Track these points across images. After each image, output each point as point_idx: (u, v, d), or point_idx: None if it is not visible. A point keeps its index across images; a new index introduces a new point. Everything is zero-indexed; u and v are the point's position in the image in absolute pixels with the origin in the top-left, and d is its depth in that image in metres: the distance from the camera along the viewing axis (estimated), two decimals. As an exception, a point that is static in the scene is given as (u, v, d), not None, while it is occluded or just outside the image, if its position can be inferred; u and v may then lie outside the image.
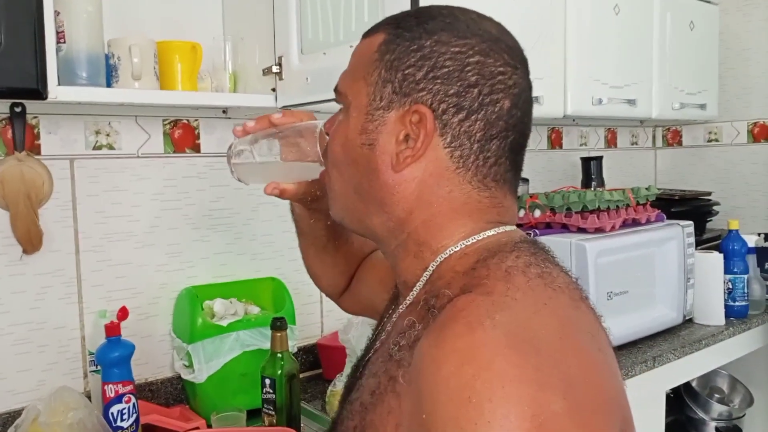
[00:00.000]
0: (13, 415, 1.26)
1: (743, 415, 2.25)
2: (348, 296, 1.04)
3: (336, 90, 0.72)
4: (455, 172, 0.65)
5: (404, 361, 0.58)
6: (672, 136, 2.82)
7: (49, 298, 1.38)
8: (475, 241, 0.65)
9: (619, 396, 0.59)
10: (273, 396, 1.28)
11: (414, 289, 0.67)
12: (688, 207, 2.30)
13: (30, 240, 1.33)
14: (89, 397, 1.36)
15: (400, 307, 0.69)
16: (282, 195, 0.86)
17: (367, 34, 0.71)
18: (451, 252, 0.65)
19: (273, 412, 1.30)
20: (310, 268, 1.03)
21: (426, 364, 0.53)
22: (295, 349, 1.56)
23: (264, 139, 0.86)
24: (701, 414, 2.24)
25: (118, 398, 1.23)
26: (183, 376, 1.43)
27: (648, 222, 1.92)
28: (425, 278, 0.66)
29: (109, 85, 1.29)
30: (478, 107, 0.64)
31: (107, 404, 1.23)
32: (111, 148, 1.46)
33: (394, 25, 0.69)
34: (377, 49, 0.68)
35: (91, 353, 1.38)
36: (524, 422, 0.48)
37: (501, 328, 0.52)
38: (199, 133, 1.58)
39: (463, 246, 0.65)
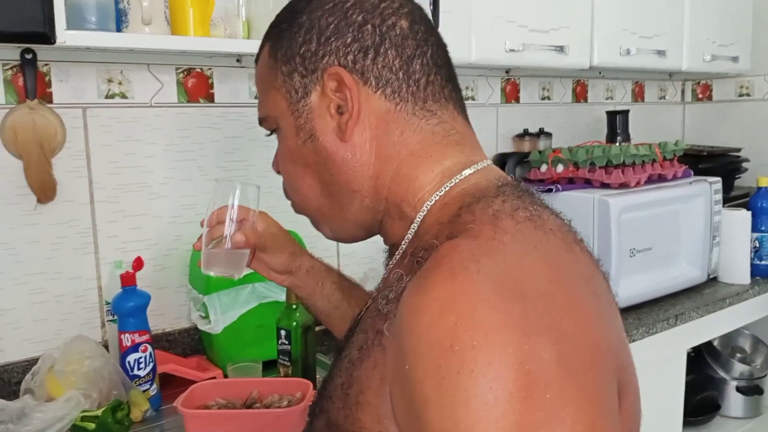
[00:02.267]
0: (30, 364, 1.26)
1: (765, 375, 2.23)
2: None
3: (260, 122, 0.72)
4: (396, 110, 0.65)
5: (391, 314, 0.56)
6: (702, 90, 2.73)
7: (64, 248, 1.38)
8: (450, 187, 0.63)
9: (615, 343, 0.55)
10: (288, 347, 1.28)
11: (402, 246, 0.65)
12: (716, 163, 2.23)
13: (44, 190, 1.32)
14: (107, 347, 1.36)
15: (389, 264, 0.68)
16: (248, 239, 0.89)
17: (256, 58, 0.73)
18: (429, 206, 0.64)
19: (288, 363, 1.29)
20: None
21: (407, 314, 0.51)
22: (311, 303, 1.55)
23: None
24: (722, 373, 2.22)
25: (135, 347, 1.23)
26: (199, 327, 1.43)
27: (674, 178, 1.87)
28: (411, 234, 0.65)
29: (119, 30, 1.26)
30: (380, 39, 0.64)
31: (124, 353, 1.23)
32: (124, 96, 1.43)
33: (271, 32, 0.70)
34: (268, 57, 0.69)
35: (107, 303, 1.38)
36: (509, 370, 0.45)
37: (486, 272, 0.49)
38: (212, 83, 1.54)
39: (438, 197, 0.63)
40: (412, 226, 0.65)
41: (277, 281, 0.98)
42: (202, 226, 0.90)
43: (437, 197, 0.63)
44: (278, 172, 0.75)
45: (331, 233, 0.73)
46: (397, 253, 0.66)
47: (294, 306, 1.29)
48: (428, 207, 0.64)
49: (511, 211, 0.57)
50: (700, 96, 2.74)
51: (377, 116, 0.64)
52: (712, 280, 1.95)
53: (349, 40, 0.64)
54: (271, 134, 0.73)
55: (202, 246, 0.90)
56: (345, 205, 0.68)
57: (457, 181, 0.64)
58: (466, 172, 0.64)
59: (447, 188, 0.63)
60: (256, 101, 0.74)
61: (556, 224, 0.58)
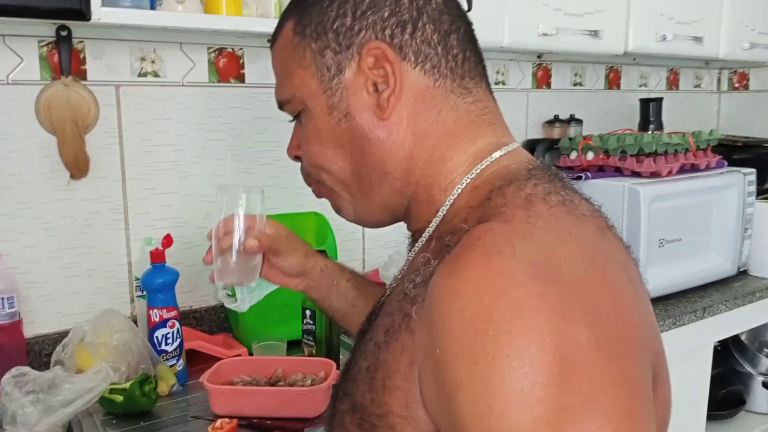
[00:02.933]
0: (62, 335, 1.29)
1: (793, 371, 2.19)
2: None
3: (280, 106, 0.70)
4: (435, 86, 0.63)
5: (419, 297, 0.55)
6: (738, 79, 2.67)
7: (96, 224, 1.40)
8: (480, 170, 0.62)
9: (651, 329, 0.55)
10: (313, 327, 1.29)
11: (428, 229, 0.64)
12: (751, 154, 2.18)
13: (77, 165, 1.34)
14: (135, 322, 1.39)
15: (414, 248, 0.66)
16: (262, 242, 0.87)
17: (274, 38, 0.69)
18: (460, 189, 0.62)
19: (312, 343, 1.31)
20: None
21: (439, 296, 0.50)
22: (337, 284, 1.56)
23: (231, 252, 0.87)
24: (748, 368, 2.19)
25: (163, 323, 1.26)
26: (226, 305, 1.44)
27: (708, 168, 1.83)
28: (439, 218, 0.63)
29: (152, 8, 1.26)
30: (418, 14, 0.62)
31: (152, 328, 1.26)
32: (156, 75, 1.44)
33: (294, 8, 0.67)
34: (293, 35, 0.65)
35: (137, 279, 1.40)
36: (546, 355, 0.44)
37: (521, 256, 0.48)
38: (243, 63, 1.55)
39: (469, 179, 0.62)
40: (440, 210, 0.63)
41: (291, 286, 0.94)
42: (209, 238, 0.88)
43: (468, 180, 0.62)
44: (295, 158, 0.73)
45: (354, 216, 0.71)
46: (422, 237, 0.65)
47: (320, 287, 1.30)
48: (459, 190, 0.62)
49: (544, 194, 0.56)
50: (737, 85, 2.68)
51: (416, 93, 0.62)
52: (742, 273, 1.91)
53: (386, 14, 0.61)
54: (295, 119, 0.70)
55: (212, 258, 0.87)
56: (374, 187, 0.66)
57: (488, 163, 0.62)
58: (497, 153, 0.63)
59: (478, 170, 0.62)
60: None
61: (588, 209, 0.57)
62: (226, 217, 0.87)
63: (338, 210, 0.72)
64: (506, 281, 0.47)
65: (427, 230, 0.64)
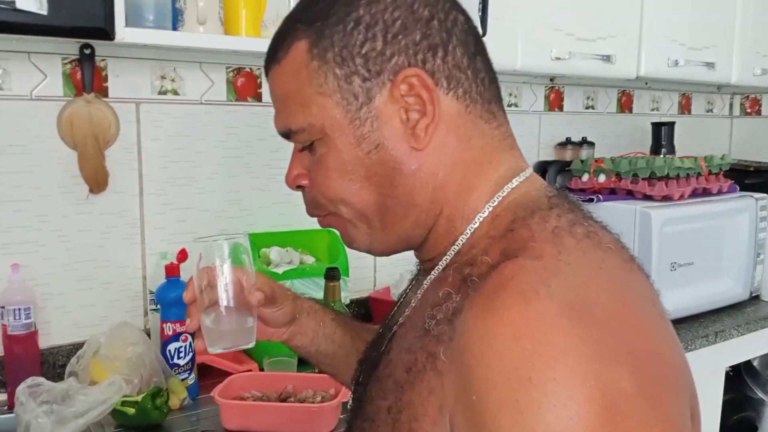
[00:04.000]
0: (76, 347, 1.31)
1: (806, 399, 2.16)
2: None
3: (286, 135, 0.63)
4: (467, 112, 0.60)
5: (444, 336, 0.53)
6: (750, 104, 2.67)
7: (113, 237, 1.43)
8: (502, 198, 0.60)
9: (686, 368, 0.54)
10: (324, 345, 1.30)
11: (442, 260, 0.61)
12: (764, 179, 2.18)
13: (96, 180, 1.37)
14: (149, 335, 1.40)
15: (426, 281, 0.63)
16: (266, 293, 0.76)
17: (276, 59, 0.62)
18: (482, 218, 0.60)
19: (323, 361, 1.31)
20: None
21: (473, 339, 0.48)
22: (348, 301, 1.57)
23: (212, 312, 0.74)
24: (761, 394, 2.16)
25: (176, 336, 1.27)
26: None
27: (720, 192, 1.84)
28: (455, 249, 0.60)
29: (174, 28, 1.30)
30: (447, 36, 0.59)
31: (165, 342, 1.27)
32: (176, 93, 1.47)
33: (302, 25, 0.60)
34: (309, 59, 0.59)
35: (151, 292, 1.42)
36: (592, 404, 0.43)
37: (558, 296, 0.47)
38: (261, 82, 1.58)
39: (491, 208, 0.60)
40: (459, 239, 0.60)
41: (275, 337, 0.84)
42: (187, 301, 0.75)
43: (490, 208, 0.60)
44: (297, 188, 0.67)
45: (368, 248, 0.65)
46: (437, 267, 0.62)
47: (331, 303, 1.31)
48: (480, 219, 0.60)
49: (569, 227, 0.55)
50: (749, 110, 2.68)
51: (448, 120, 0.59)
52: (755, 299, 1.91)
53: (418, 38, 0.58)
54: (307, 148, 0.63)
55: (197, 323, 0.75)
56: (399, 220, 0.61)
57: (509, 190, 0.60)
58: (516, 180, 0.61)
59: (500, 198, 0.60)
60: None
61: (611, 241, 0.56)
62: (207, 269, 0.73)
63: (351, 241, 0.66)
64: (546, 325, 0.46)
65: (443, 260, 0.61)
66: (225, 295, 0.73)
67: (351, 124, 0.59)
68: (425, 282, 0.64)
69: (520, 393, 0.44)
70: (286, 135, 0.63)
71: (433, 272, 0.62)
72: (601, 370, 0.44)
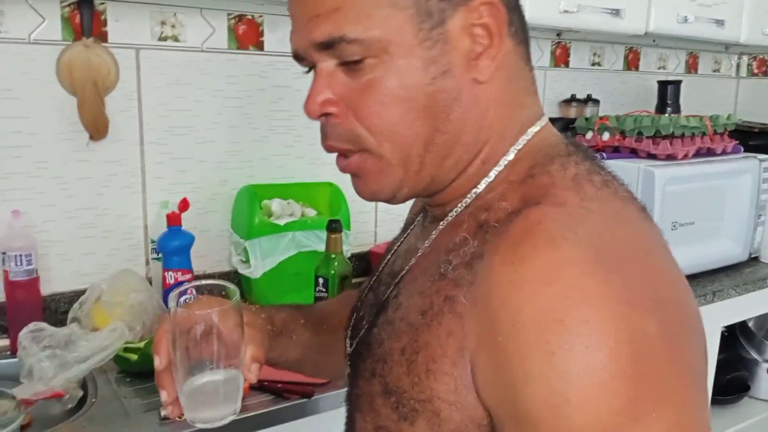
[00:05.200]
0: (78, 294, 1.31)
1: (799, 359, 2.19)
2: None
3: (331, 43, 0.54)
4: (516, 51, 0.59)
5: (462, 280, 0.53)
6: (758, 65, 2.64)
7: (113, 186, 1.42)
8: (525, 143, 0.59)
9: (699, 314, 0.55)
10: (325, 295, 1.30)
11: (460, 204, 0.60)
12: (768, 141, 2.17)
13: (96, 127, 1.35)
14: (150, 283, 1.41)
15: (440, 224, 0.61)
16: (260, 361, 0.65)
17: None
18: (506, 161, 0.58)
19: (324, 312, 1.32)
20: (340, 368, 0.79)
21: (501, 282, 0.48)
22: (349, 255, 1.57)
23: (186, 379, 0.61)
24: (755, 354, 2.19)
25: (178, 285, 1.27)
26: (240, 270, 1.46)
27: (724, 153, 1.83)
28: (476, 192, 0.59)
29: (175, -29, 1.27)
30: None
31: (167, 290, 1.28)
32: (176, 40, 1.45)
33: None
34: None
35: (153, 241, 1.42)
36: (622, 345, 0.44)
37: (585, 243, 0.47)
38: (263, 30, 1.55)
39: (515, 151, 0.58)
40: (481, 182, 0.59)
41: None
42: (161, 368, 0.62)
43: (514, 152, 0.58)
44: (323, 115, 0.58)
45: (393, 195, 0.60)
46: (450, 213, 0.60)
47: (333, 255, 1.31)
48: (505, 163, 0.58)
49: (587, 174, 0.55)
50: (756, 71, 2.65)
51: (504, 56, 0.57)
52: (754, 260, 1.92)
53: None
54: (355, 63, 0.55)
55: (174, 395, 0.62)
56: (442, 159, 0.58)
57: (532, 134, 0.59)
58: (539, 124, 0.60)
59: (524, 142, 0.59)
60: (299, 44, 0.57)
61: (626, 191, 0.56)
62: (181, 315, 0.60)
63: (375, 190, 0.60)
64: (575, 270, 0.46)
65: (461, 204, 0.60)
66: (214, 361, 0.60)
67: (421, 44, 0.54)
68: (435, 230, 0.62)
69: (552, 335, 0.45)
70: (328, 45, 0.54)
71: (447, 218, 0.61)
72: (629, 314, 0.45)
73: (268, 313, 0.73)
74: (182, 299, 0.64)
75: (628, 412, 0.44)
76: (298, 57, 0.59)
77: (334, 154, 0.60)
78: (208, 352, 0.60)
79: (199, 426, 0.62)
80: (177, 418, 0.64)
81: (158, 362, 0.62)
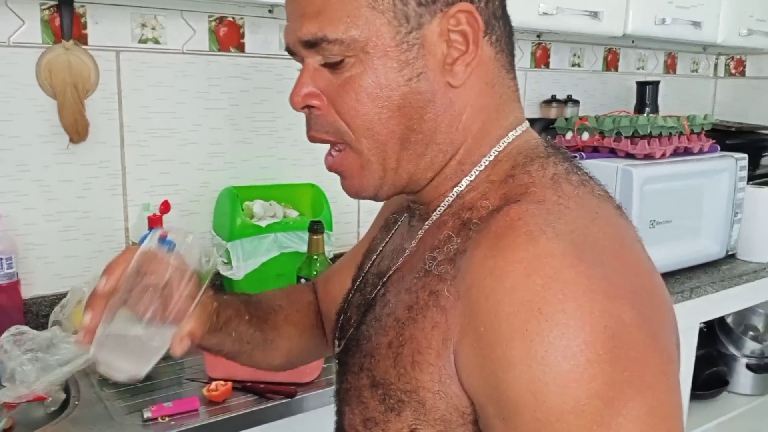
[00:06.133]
0: (59, 297, 1.31)
1: (776, 354, 2.23)
2: None
3: (314, 43, 0.57)
4: (496, 59, 0.60)
5: (446, 275, 0.55)
6: (735, 65, 2.68)
7: (95, 188, 1.42)
8: (505, 145, 0.61)
9: (672, 306, 0.57)
10: (307, 296, 1.31)
11: (443, 203, 0.62)
12: (744, 140, 2.20)
13: (77, 129, 1.35)
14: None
15: (426, 224, 0.64)
16: (194, 340, 0.65)
17: None
18: (486, 163, 0.61)
19: (307, 312, 1.32)
20: (277, 364, 0.85)
21: (482, 275, 0.50)
22: (331, 255, 1.58)
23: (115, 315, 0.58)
24: (732, 350, 2.23)
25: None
26: (222, 272, 1.46)
27: (701, 152, 1.85)
28: (457, 191, 0.62)
29: (155, -26, 1.27)
30: None
31: (148, 292, 1.27)
32: (156, 42, 1.45)
33: None
34: None
35: (134, 243, 1.42)
36: (598, 333, 0.46)
37: (563, 237, 0.50)
38: (244, 32, 1.55)
39: (495, 153, 0.61)
40: (462, 182, 0.61)
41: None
42: (105, 291, 0.60)
43: (495, 153, 0.61)
44: (305, 108, 0.61)
45: (375, 192, 0.63)
46: (435, 212, 0.63)
47: (315, 256, 1.32)
48: (485, 163, 0.61)
49: (565, 174, 0.57)
50: (734, 71, 2.69)
51: (482, 64, 0.59)
52: (731, 257, 1.95)
53: None
54: (335, 65, 0.58)
55: (99, 315, 0.58)
56: (416, 158, 0.60)
57: (513, 138, 0.62)
58: (519, 129, 0.63)
59: (504, 145, 0.61)
60: (289, 40, 0.60)
61: (602, 190, 0.59)
62: (150, 255, 0.61)
63: (359, 187, 0.63)
64: (556, 262, 0.48)
65: (444, 203, 0.62)
66: (153, 317, 0.58)
67: (398, 47, 0.56)
68: (421, 229, 0.64)
69: (530, 323, 0.47)
70: (312, 44, 0.57)
71: (431, 217, 0.63)
72: (606, 305, 0.48)
73: (218, 303, 0.72)
74: (161, 242, 0.62)
75: (605, 395, 0.46)
76: (290, 51, 0.62)
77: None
78: (153, 305, 0.58)
79: (99, 369, 0.59)
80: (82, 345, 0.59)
81: (103, 284, 0.61)
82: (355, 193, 0.64)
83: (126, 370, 0.59)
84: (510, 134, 0.62)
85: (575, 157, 0.63)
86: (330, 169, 0.64)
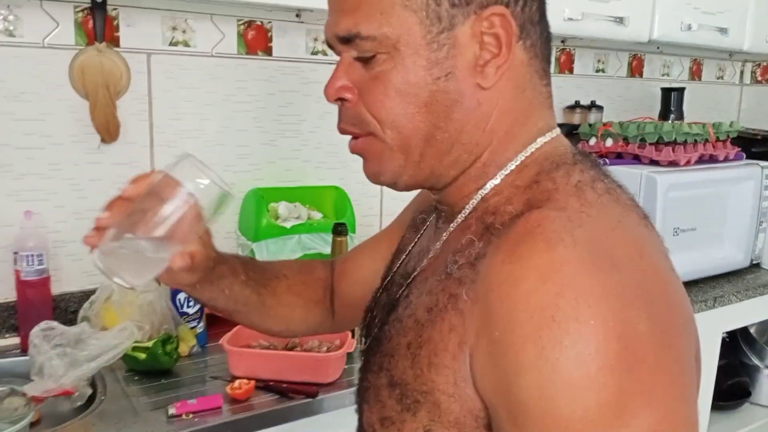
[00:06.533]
0: (87, 294, 1.34)
1: (800, 366, 2.20)
2: (341, 315, 0.93)
3: (349, 39, 0.59)
4: (528, 64, 0.61)
5: (466, 279, 0.56)
6: (762, 72, 2.65)
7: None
8: (533, 151, 0.62)
9: (693, 319, 0.57)
10: (330, 297, 1.32)
11: (468, 205, 0.63)
12: (771, 148, 2.18)
13: (108, 130, 1.38)
14: (158, 283, 1.43)
15: (450, 226, 0.65)
16: (193, 260, 0.69)
17: None
18: (512, 167, 0.61)
19: (329, 313, 1.34)
20: (276, 330, 0.91)
21: (499, 281, 0.51)
22: (354, 257, 1.60)
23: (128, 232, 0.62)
24: (755, 360, 2.20)
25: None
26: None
27: (726, 159, 1.84)
28: (482, 194, 0.62)
29: (187, -22, 1.29)
30: None
31: (174, 291, 1.30)
32: (186, 45, 1.47)
33: None
34: None
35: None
36: (611, 342, 0.46)
37: (582, 244, 0.50)
38: (271, 36, 1.57)
39: (522, 158, 0.61)
40: (488, 184, 0.62)
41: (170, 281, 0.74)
42: (127, 196, 0.64)
43: (521, 159, 0.61)
44: (338, 100, 0.63)
45: (394, 180, 0.64)
46: (460, 215, 0.63)
47: (338, 258, 1.33)
48: (511, 168, 0.61)
49: (591, 182, 0.57)
50: (760, 78, 2.66)
51: (513, 68, 0.60)
52: (755, 266, 1.93)
53: None
54: (368, 60, 0.60)
55: (110, 222, 0.63)
56: (440, 155, 0.61)
57: (541, 144, 0.62)
58: (549, 135, 0.63)
59: (531, 150, 0.62)
60: (328, 34, 0.62)
61: (628, 199, 0.59)
62: (165, 176, 0.63)
63: (378, 172, 0.64)
64: (571, 269, 0.48)
65: (468, 205, 0.63)
66: (167, 224, 0.61)
67: (428, 45, 0.58)
68: (445, 232, 0.65)
69: (543, 330, 0.47)
70: (347, 40, 0.60)
71: (456, 220, 0.64)
72: (621, 313, 0.48)
73: (217, 255, 0.75)
74: (192, 170, 0.65)
75: (615, 404, 0.46)
76: (329, 44, 0.63)
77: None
78: (161, 223, 0.61)
79: (97, 268, 0.62)
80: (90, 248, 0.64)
81: (130, 190, 0.65)
82: (373, 175, 0.65)
83: (126, 280, 0.63)
84: (539, 140, 0.62)
85: (602, 164, 0.63)
86: (353, 150, 0.65)
